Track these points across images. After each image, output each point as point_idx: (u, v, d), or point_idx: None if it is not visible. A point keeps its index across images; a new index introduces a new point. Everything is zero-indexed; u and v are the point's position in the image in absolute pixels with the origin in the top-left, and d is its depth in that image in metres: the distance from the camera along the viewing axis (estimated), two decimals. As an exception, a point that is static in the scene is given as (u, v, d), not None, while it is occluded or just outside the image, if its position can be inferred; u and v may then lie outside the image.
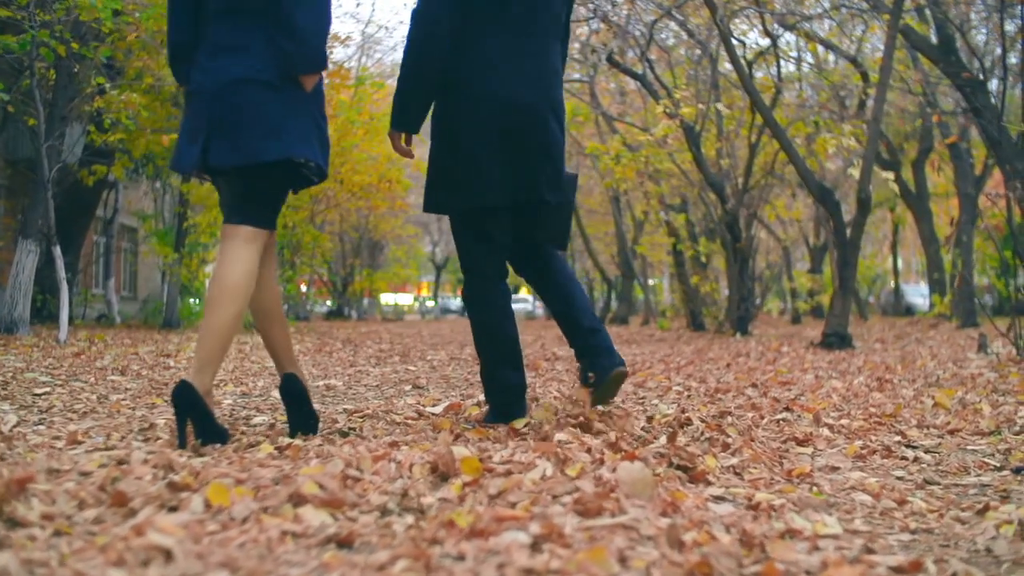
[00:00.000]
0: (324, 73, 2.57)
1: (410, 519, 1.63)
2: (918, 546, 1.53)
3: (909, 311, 21.89)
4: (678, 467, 1.97)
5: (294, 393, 2.62)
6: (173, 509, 1.63)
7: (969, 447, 2.68)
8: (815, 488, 1.89)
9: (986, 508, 1.68)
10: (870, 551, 1.42)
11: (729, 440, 2.33)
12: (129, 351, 6.76)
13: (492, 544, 1.36)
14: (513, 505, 1.66)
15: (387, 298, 34.13)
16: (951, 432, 2.92)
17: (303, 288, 23.70)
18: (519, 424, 2.54)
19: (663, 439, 2.31)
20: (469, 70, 2.62)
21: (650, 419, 2.75)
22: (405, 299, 46.83)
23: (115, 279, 17.70)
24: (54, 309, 10.42)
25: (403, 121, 2.66)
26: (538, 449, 2.07)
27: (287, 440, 2.44)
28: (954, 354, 6.61)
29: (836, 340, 7.30)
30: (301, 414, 2.63)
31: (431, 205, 2.74)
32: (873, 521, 1.66)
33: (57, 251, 7.74)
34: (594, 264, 20.02)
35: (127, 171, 13.52)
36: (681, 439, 2.40)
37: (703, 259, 12.52)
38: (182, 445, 2.35)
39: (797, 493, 1.80)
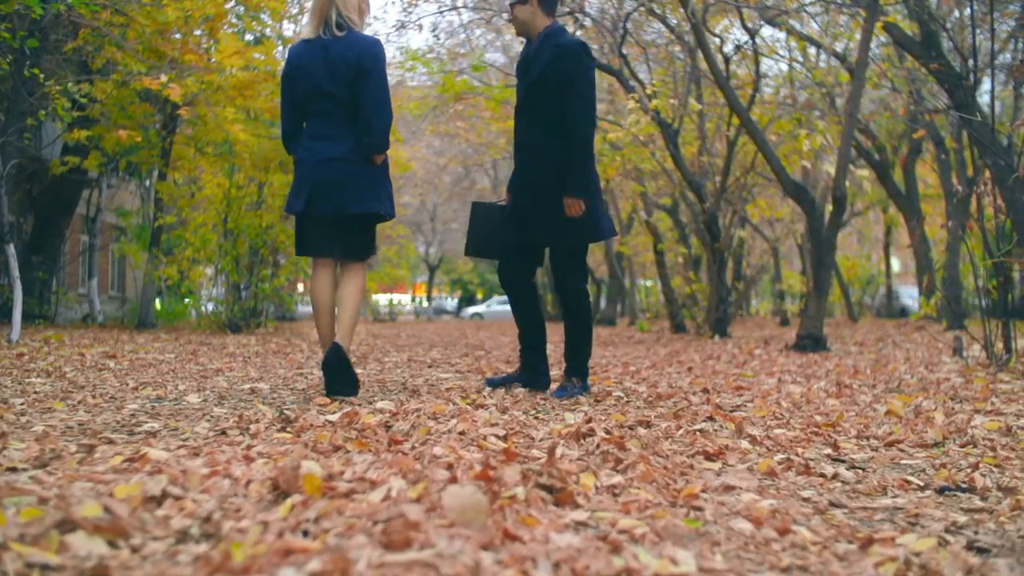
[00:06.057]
0: None
1: (204, 547, 1.41)
2: (780, 588, 1.30)
3: (903, 313, 21.61)
4: (546, 487, 1.74)
5: (335, 358, 3.61)
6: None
7: (903, 461, 2.45)
8: (692, 513, 1.66)
9: (870, 541, 1.45)
10: (709, 597, 1.18)
11: (624, 455, 2.09)
12: (78, 352, 6.54)
13: (246, 587, 1.13)
14: (326, 531, 1.44)
15: (383, 298, 33.89)
16: (890, 444, 2.69)
17: (299, 288, 23.45)
18: (399, 434, 2.31)
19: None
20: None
21: (552, 430, 2.52)
22: (403, 299, 46.67)
23: (99, 278, 17.45)
24: (26, 308, 10.21)
25: None
26: (394, 464, 1.85)
27: (144, 450, 2.21)
28: (929, 358, 6.37)
29: (810, 343, 7.06)
30: (339, 379, 3.62)
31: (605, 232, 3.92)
32: (742, 556, 1.43)
33: (10, 249, 7.52)
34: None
35: (104, 167, 13.31)
36: (574, 452, 2.17)
37: (680, 260, 12.27)
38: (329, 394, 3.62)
39: (667, 520, 1.57)
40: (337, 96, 3.65)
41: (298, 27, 12.68)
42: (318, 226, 3.72)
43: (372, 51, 3.66)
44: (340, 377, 3.63)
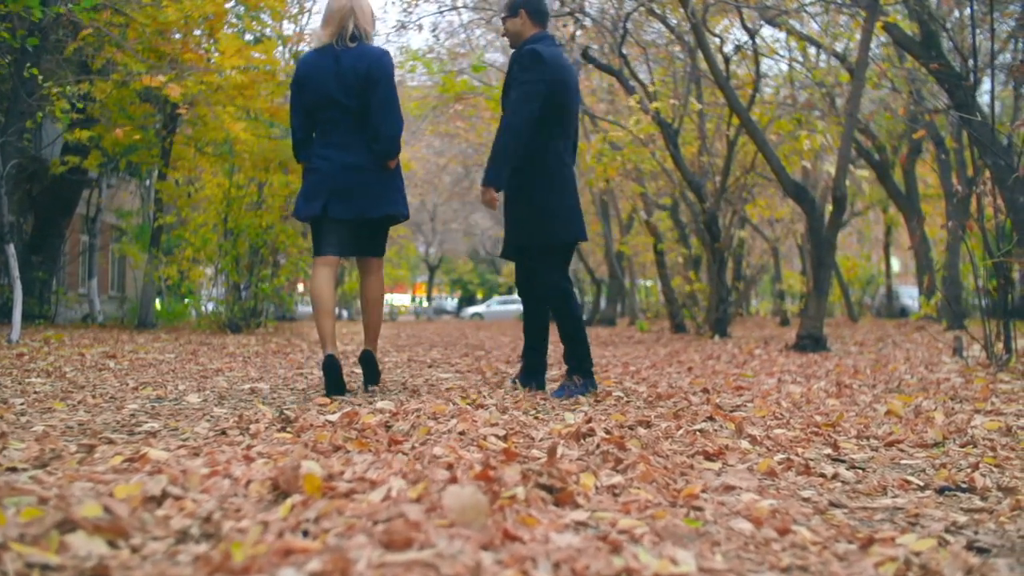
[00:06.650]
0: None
1: (204, 547, 1.41)
2: (780, 588, 1.30)
3: (903, 313, 21.60)
4: (546, 487, 1.74)
5: (366, 361, 3.96)
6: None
7: (903, 461, 2.45)
8: (692, 513, 1.66)
9: (870, 541, 1.45)
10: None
11: (624, 455, 2.09)
12: (78, 352, 6.53)
13: (245, 588, 1.13)
14: (326, 531, 1.44)
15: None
16: (890, 444, 2.69)
17: (299, 288, 23.42)
18: (399, 434, 2.31)
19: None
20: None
21: (552, 430, 2.52)
22: (404, 299, 46.61)
23: (99, 278, 17.43)
24: (26, 308, 10.19)
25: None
26: (395, 464, 1.85)
27: (144, 450, 2.21)
28: (929, 358, 6.37)
29: (810, 343, 7.06)
30: (370, 374, 3.97)
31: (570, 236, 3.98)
32: (742, 556, 1.43)
33: (10, 249, 7.52)
34: (584, 265, 19.76)
35: (104, 167, 13.31)
36: (574, 452, 2.17)
37: (680, 260, 12.26)
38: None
39: (667, 520, 1.57)
40: (347, 106, 3.79)
41: (298, 27, 12.67)
42: (333, 229, 3.87)
43: (381, 61, 3.81)
44: (369, 373, 3.98)
